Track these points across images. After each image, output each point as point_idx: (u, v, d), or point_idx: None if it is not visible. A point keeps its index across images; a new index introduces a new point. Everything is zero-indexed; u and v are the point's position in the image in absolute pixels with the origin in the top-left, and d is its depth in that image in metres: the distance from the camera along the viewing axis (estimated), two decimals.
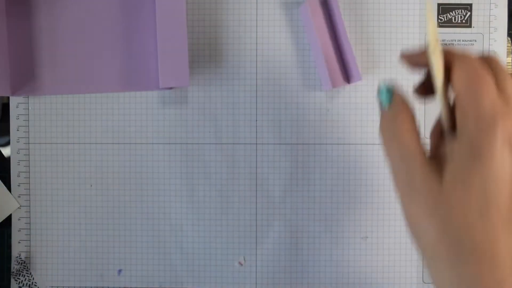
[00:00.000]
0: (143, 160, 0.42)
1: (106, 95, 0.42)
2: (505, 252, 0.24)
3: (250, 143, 0.42)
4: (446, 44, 0.43)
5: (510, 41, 0.43)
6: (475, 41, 0.43)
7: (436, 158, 0.26)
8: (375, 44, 0.42)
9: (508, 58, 0.43)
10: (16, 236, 0.42)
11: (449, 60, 0.27)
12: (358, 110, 0.42)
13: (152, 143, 0.42)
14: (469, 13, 0.43)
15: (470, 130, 0.24)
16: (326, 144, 0.42)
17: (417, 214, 0.25)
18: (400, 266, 0.42)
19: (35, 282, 0.42)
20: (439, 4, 0.42)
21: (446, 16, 0.42)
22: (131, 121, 0.42)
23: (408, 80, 0.42)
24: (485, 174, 0.24)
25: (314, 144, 0.42)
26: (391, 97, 0.28)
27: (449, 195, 0.24)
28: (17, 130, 0.42)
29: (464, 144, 0.25)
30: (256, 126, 0.42)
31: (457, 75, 0.26)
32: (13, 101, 0.42)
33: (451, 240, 0.24)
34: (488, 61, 0.27)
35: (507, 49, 0.43)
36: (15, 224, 0.42)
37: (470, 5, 0.43)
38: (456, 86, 0.26)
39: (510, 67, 0.43)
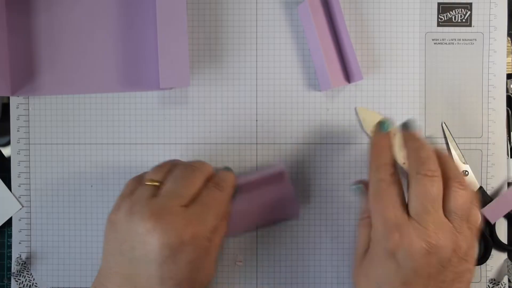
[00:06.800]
0: (143, 160, 0.42)
1: (106, 95, 0.42)
2: None
3: (250, 143, 0.42)
4: (446, 43, 0.43)
5: (510, 41, 0.43)
6: (475, 40, 0.43)
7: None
8: (375, 43, 0.42)
9: (508, 58, 0.43)
10: (17, 236, 0.42)
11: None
12: None
13: (152, 143, 0.42)
14: (469, 12, 0.43)
15: (378, 234, 0.33)
16: (326, 144, 0.42)
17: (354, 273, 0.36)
18: None
19: (36, 283, 0.42)
20: (439, 4, 0.42)
21: (446, 15, 0.42)
22: (131, 121, 0.42)
23: (413, 80, 0.42)
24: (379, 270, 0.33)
25: (314, 144, 0.42)
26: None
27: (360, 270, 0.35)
28: (18, 131, 0.42)
29: (374, 243, 0.33)
30: (256, 126, 0.42)
31: (370, 188, 0.34)
32: (13, 102, 0.42)
33: None
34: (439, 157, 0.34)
35: (507, 48, 0.43)
36: (16, 225, 0.42)
37: (470, 4, 0.43)
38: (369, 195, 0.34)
39: (510, 66, 0.43)
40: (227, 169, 0.38)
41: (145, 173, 0.36)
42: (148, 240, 0.31)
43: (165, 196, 0.33)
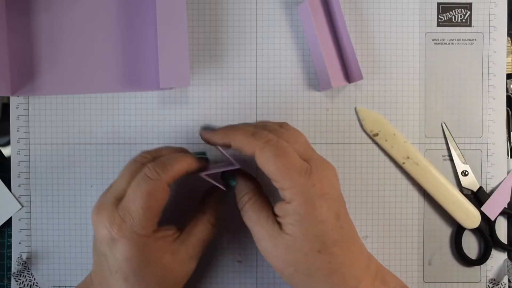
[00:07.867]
0: None
1: (106, 95, 0.42)
2: (348, 263, 0.32)
3: None
4: (446, 43, 0.43)
5: (510, 41, 0.43)
6: (475, 40, 0.43)
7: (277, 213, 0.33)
8: (375, 43, 0.42)
9: (508, 58, 0.43)
10: (17, 236, 0.42)
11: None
12: None
13: (152, 143, 0.42)
14: (469, 12, 0.43)
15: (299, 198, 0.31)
16: (326, 144, 0.42)
17: (266, 251, 0.33)
18: (401, 265, 0.43)
19: (36, 283, 0.42)
20: (439, 4, 0.42)
21: (446, 16, 0.42)
22: (131, 121, 0.42)
23: (413, 80, 0.42)
24: (314, 222, 0.31)
25: (314, 144, 0.42)
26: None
27: (288, 238, 0.32)
28: (17, 131, 0.42)
29: (296, 206, 0.31)
30: None
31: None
32: (13, 102, 0.42)
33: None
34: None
35: (507, 48, 0.43)
36: (16, 225, 0.42)
37: (470, 4, 0.43)
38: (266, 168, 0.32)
39: (510, 67, 0.43)
40: (200, 154, 0.36)
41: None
42: (94, 230, 0.33)
43: (108, 189, 0.34)
